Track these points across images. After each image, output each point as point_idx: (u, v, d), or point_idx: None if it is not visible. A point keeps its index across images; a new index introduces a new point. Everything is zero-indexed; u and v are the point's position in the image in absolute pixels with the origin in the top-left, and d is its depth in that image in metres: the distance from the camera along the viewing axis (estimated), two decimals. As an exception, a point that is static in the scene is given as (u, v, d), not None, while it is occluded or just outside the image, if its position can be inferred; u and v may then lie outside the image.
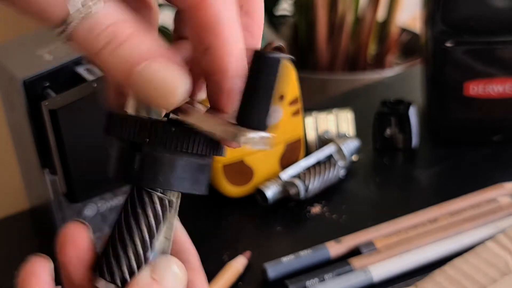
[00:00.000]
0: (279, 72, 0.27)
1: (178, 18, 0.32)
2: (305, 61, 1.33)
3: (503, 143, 0.76)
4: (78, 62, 0.58)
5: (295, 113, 0.71)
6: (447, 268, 0.58)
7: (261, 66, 0.27)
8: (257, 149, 0.28)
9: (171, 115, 0.30)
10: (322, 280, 0.58)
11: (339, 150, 0.73)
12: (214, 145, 0.29)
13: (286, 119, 0.70)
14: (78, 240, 0.31)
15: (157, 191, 0.30)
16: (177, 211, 0.31)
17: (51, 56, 0.58)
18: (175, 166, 0.29)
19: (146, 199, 0.30)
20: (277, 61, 0.27)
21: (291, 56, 0.28)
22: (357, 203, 0.70)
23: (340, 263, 0.59)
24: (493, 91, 0.73)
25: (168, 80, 0.27)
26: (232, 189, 0.70)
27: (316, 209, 0.69)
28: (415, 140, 0.76)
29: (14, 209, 0.72)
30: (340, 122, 0.76)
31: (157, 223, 0.30)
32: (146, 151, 0.29)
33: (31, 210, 0.71)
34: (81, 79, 0.57)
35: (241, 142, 0.28)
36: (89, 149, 0.55)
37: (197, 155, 0.29)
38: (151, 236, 0.30)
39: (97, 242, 0.31)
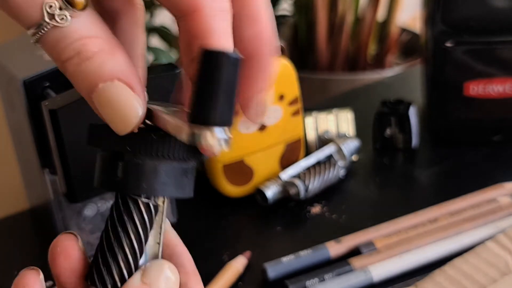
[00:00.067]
0: (221, 67, 0.27)
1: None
2: (305, 61, 1.33)
3: (503, 143, 0.76)
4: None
5: (295, 113, 0.71)
6: (447, 268, 0.58)
7: (202, 61, 0.27)
8: (213, 149, 0.28)
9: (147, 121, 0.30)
10: (322, 280, 0.58)
11: (339, 150, 0.73)
12: (194, 149, 0.29)
13: (286, 119, 0.70)
14: (69, 251, 0.31)
15: (142, 197, 0.30)
16: (165, 215, 0.31)
17: (51, 56, 0.58)
18: (158, 172, 0.29)
19: (132, 206, 0.30)
20: (217, 56, 0.27)
21: (234, 53, 0.27)
22: (357, 203, 0.70)
23: (340, 263, 0.59)
24: (493, 91, 0.73)
25: (122, 104, 0.28)
26: (232, 189, 0.70)
27: (316, 209, 0.69)
28: (415, 140, 0.76)
29: (14, 209, 0.72)
30: (340, 122, 0.76)
31: (145, 228, 0.30)
32: (128, 159, 0.29)
33: (31, 210, 0.71)
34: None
35: (187, 139, 0.28)
36: (89, 149, 0.55)
37: (179, 159, 0.29)
38: (140, 242, 0.30)
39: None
